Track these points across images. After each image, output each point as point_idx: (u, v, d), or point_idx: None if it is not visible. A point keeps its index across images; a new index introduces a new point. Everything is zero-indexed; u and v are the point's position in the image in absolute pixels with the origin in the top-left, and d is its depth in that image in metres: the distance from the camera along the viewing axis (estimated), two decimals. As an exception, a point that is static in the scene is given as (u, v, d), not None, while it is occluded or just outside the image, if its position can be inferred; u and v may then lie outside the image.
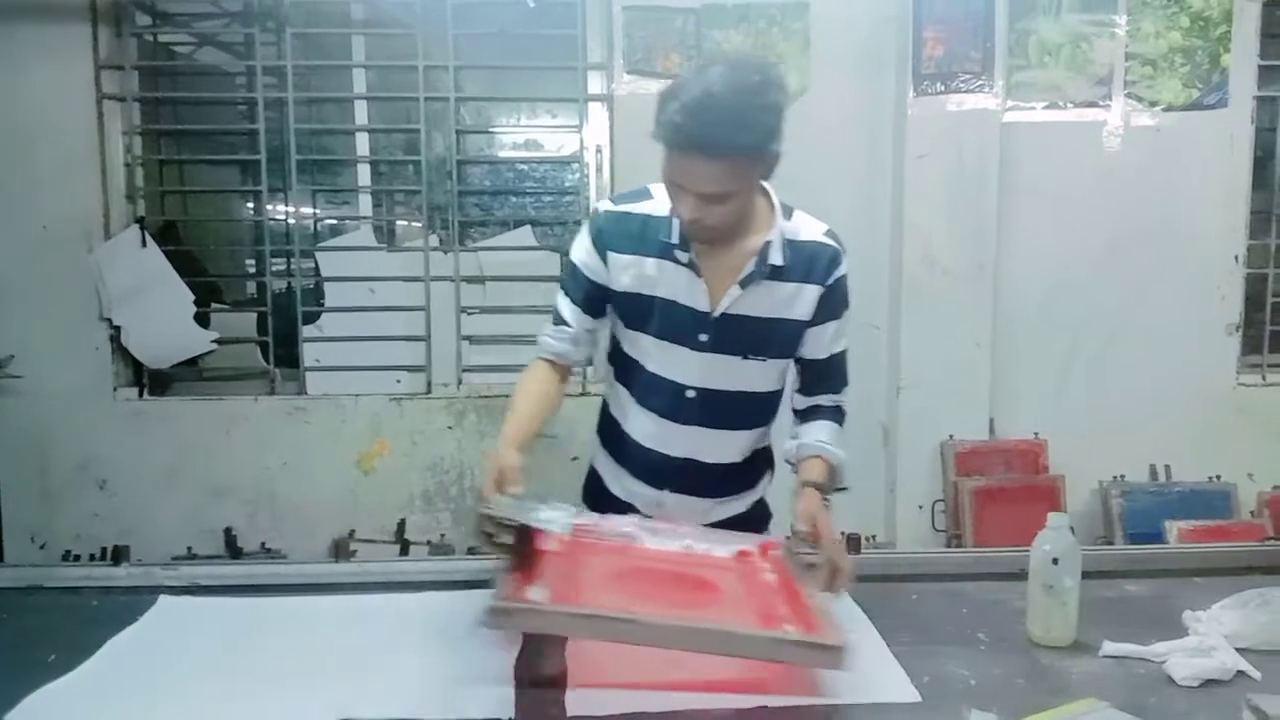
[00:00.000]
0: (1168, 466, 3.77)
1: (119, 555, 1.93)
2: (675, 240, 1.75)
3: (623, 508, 1.93)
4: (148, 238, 3.63)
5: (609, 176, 3.75)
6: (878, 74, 3.66)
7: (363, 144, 3.85)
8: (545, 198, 4.06)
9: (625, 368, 1.90)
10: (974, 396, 3.67)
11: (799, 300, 1.80)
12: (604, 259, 1.81)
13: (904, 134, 3.60)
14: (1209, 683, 1.42)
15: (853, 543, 1.92)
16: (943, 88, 3.57)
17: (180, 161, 3.99)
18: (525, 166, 4.09)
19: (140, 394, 3.73)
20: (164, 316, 3.63)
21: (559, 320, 1.86)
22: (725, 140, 1.56)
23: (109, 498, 3.69)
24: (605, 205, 1.84)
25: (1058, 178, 3.71)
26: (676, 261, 1.76)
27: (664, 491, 1.91)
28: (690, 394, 1.83)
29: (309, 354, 3.69)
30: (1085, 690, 1.39)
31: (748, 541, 1.76)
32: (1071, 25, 3.68)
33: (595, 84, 3.74)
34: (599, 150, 3.77)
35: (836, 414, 1.90)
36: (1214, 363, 3.81)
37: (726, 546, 1.73)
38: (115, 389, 3.71)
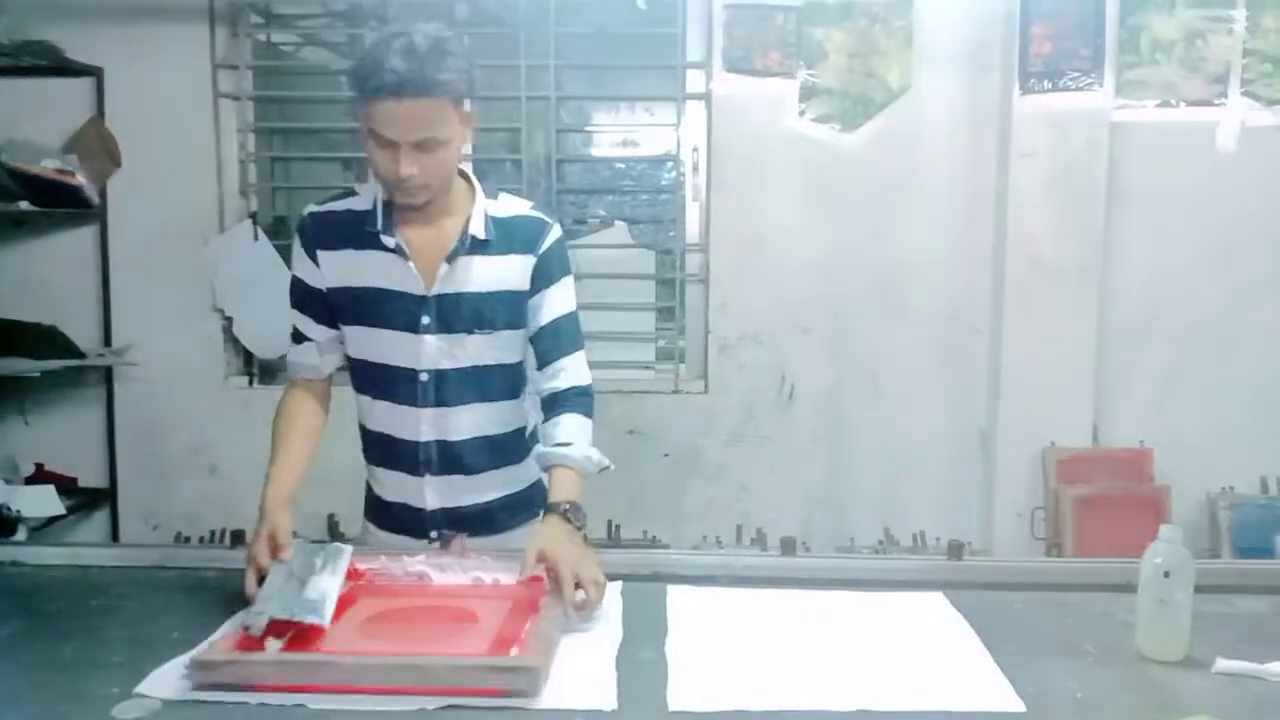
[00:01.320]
0: (1280, 479, 3.64)
1: (236, 538, 1.99)
2: (379, 227, 1.81)
3: (400, 512, 1.96)
4: (259, 232, 3.76)
5: (705, 175, 3.75)
6: (983, 71, 3.59)
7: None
8: (642, 196, 4.08)
9: (358, 370, 1.93)
10: (1077, 402, 3.59)
11: (511, 270, 1.85)
12: (315, 261, 1.86)
13: (1009, 132, 3.53)
14: (1328, 704, 1.37)
15: (954, 550, 1.90)
16: (1050, 85, 3.49)
17: (289, 159, 4.12)
18: (622, 165, 4.12)
19: (250, 382, 3.87)
20: (273, 308, 3.69)
21: (300, 338, 1.92)
22: (434, 76, 1.63)
23: (219, 482, 3.83)
24: (309, 208, 1.90)
25: (1168, 179, 3.59)
26: (384, 248, 1.81)
27: (425, 478, 1.93)
28: (424, 377, 1.87)
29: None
30: (1198, 707, 1.35)
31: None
32: (1186, 21, 3.56)
33: (693, 82, 3.75)
34: (695, 149, 3.78)
35: (580, 399, 1.88)
36: (1330, 372, 3.65)
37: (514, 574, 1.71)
38: (226, 377, 3.85)
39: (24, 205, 3.49)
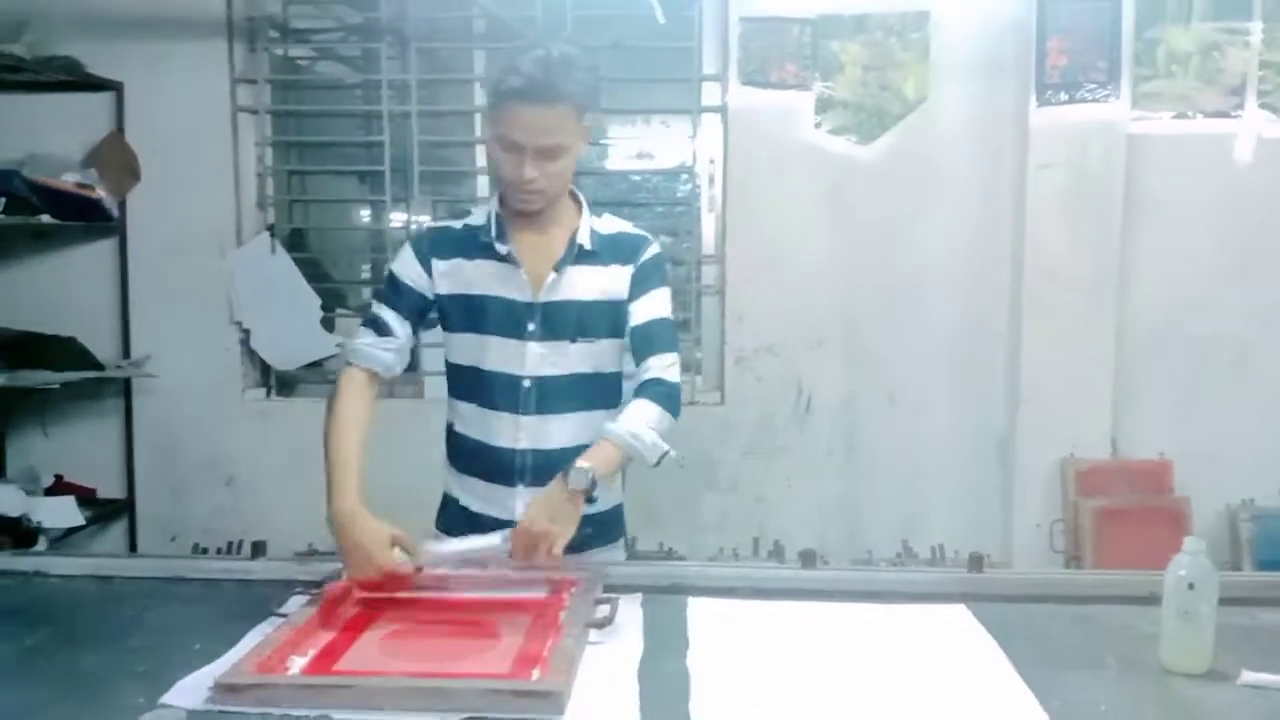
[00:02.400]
0: (1301, 490, 3.61)
1: (257, 550, 2.00)
2: (493, 235, 1.92)
3: (485, 524, 1.94)
4: (277, 245, 3.78)
5: (721, 187, 3.76)
6: (999, 83, 3.59)
7: (481, 156, 3.93)
8: (657, 209, 4.09)
9: (460, 375, 2.00)
10: (1096, 413, 3.57)
11: (614, 282, 1.94)
12: (427, 267, 1.95)
13: (1025, 144, 3.53)
14: (1356, 717, 1.36)
15: (975, 562, 1.89)
16: (1066, 97, 3.49)
17: (305, 172, 4.14)
18: (638, 178, 4.13)
19: (267, 394, 3.89)
20: (291, 321, 3.77)
21: (384, 331, 1.95)
22: (565, 84, 1.77)
23: (235, 494, 3.85)
24: (429, 224, 2.09)
25: (1185, 190, 3.58)
26: (496, 257, 1.92)
27: (517, 488, 1.95)
28: (526, 383, 1.93)
29: (427, 359, 3.79)
30: (1224, 720, 1.35)
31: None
32: (1202, 33, 3.55)
33: (709, 95, 3.76)
34: (711, 161, 3.79)
35: (656, 388, 1.90)
36: (1351, 383, 3.63)
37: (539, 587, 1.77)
38: (244, 390, 3.87)
39: (44, 218, 3.52)
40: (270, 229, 3.80)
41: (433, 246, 1.96)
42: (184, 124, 3.74)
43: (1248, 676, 1.46)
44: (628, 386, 1.99)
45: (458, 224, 1.98)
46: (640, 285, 1.95)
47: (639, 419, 1.85)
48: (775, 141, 3.67)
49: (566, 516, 1.73)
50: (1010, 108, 3.59)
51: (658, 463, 1.85)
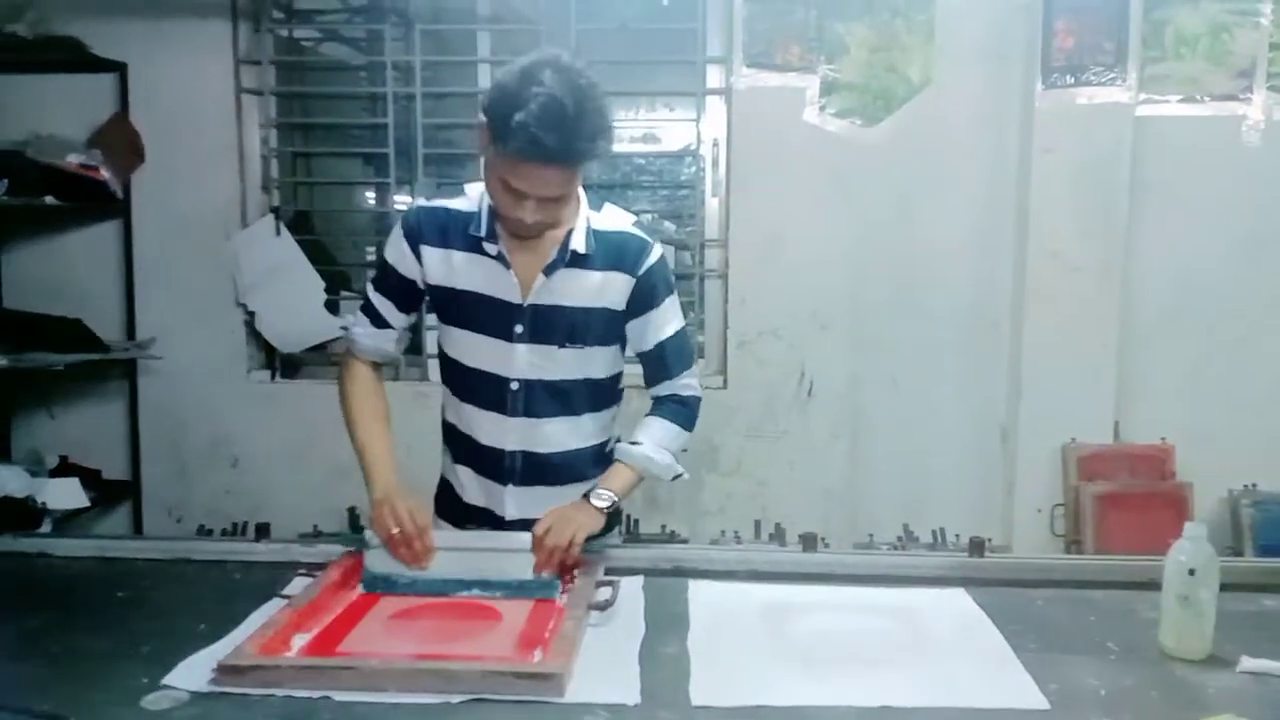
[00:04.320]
0: (1304, 475, 3.61)
1: (261, 532, 2.01)
2: (483, 233, 1.82)
3: (476, 514, 1.96)
4: (282, 227, 3.78)
5: (725, 170, 3.75)
6: (1005, 66, 3.57)
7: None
8: (661, 191, 4.08)
9: (450, 368, 1.96)
10: (1098, 398, 3.57)
11: (609, 288, 1.86)
12: (417, 254, 1.87)
13: (1031, 127, 3.51)
14: (1354, 703, 1.36)
15: (975, 546, 1.90)
16: (1073, 80, 3.47)
17: (310, 154, 4.14)
18: (643, 160, 4.12)
19: (272, 377, 3.90)
20: (295, 303, 3.77)
21: (380, 322, 1.93)
22: (581, 149, 1.65)
23: (240, 475, 3.86)
24: (418, 203, 1.93)
25: (1193, 174, 3.57)
26: (485, 254, 1.83)
27: (508, 487, 1.94)
28: (514, 386, 1.88)
29: (431, 342, 3.79)
30: (1222, 706, 1.35)
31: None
32: (1211, 15, 3.52)
33: (714, 78, 3.74)
34: (716, 144, 3.78)
35: (675, 407, 1.95)
36: (1354, 368, 3.62)
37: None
38: (249, 371, 3.88)
39: (49, 200, 3.52)
40: (275, 211, 3.80)
41: (424, 231, 1.87)
42: (188, 105, 3.74)
43: (1247, 663, 1.47)
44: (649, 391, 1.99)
45: (449, 205, 1.88)
46: (644, 300, 1.88)
47: (655, 440, 1.88)
48: (779, 124, 3.65)
49: (588, 515, 1.79)
50: (1016, 91, 3.57)
51: (672, 479, 1.92)
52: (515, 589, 1.70)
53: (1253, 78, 3.53)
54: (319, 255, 3.90)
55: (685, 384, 1.95)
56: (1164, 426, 3.61)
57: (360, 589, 1.72)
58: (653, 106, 4.03)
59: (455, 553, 1.76)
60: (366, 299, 1.95)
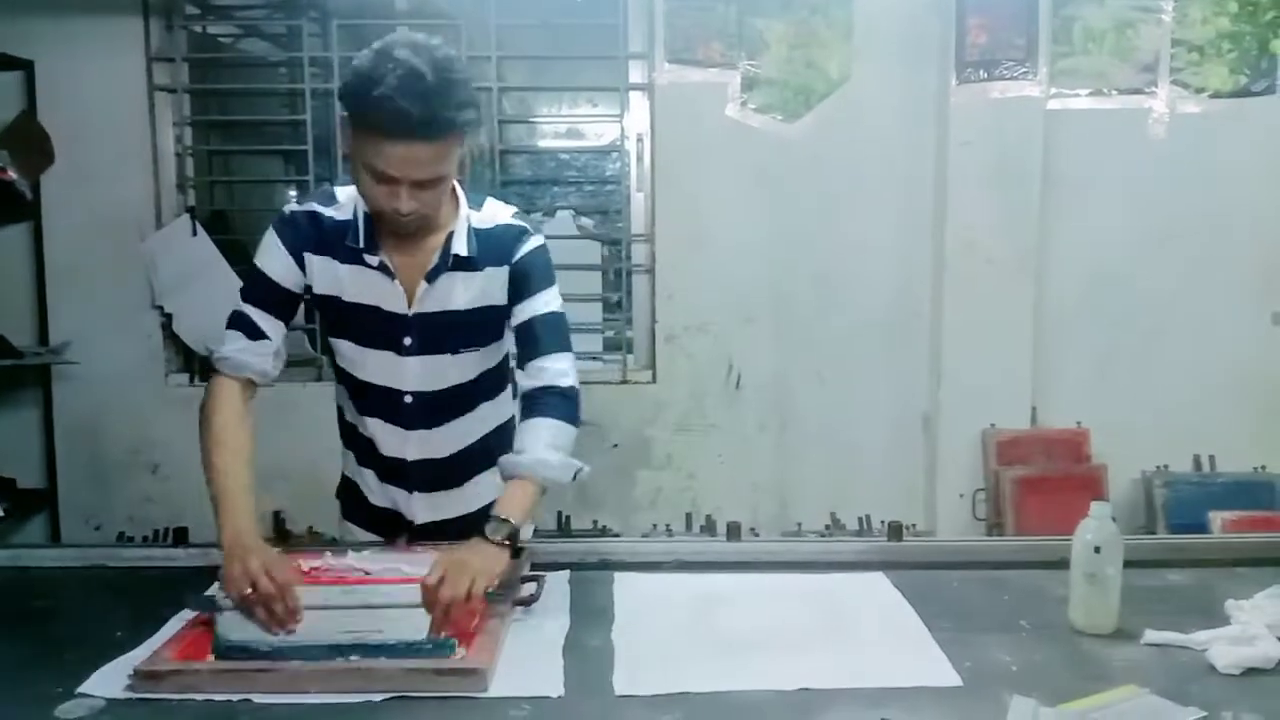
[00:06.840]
0: (1212, 457, 3.73)
1: (180, 537, 1.97)
2: (361, 244, 1.71)
3: (384, 516, 1.93)
4: (198, 227, 3.70)
5: (649, 165, 3.77)
6: (920, 62, 3.64)
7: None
8: (586, 187, 4.09)
9: (343, 377, 1.88)
10: (1016, 385, 3.66)
11: (492, 285, 1.77)
12: (299, 259, 1.74)
13: (946, 122, 3.59)
14: (1251, 671, 1.42)
15: (894, 531, 1.94)
16: (986, 75, 3.55)
17: (228, 152, 4.06)
18: (567, 156, 4.12)
19: (191, 380, 3.81)
20: (214, 304, 3.63)
21: (256, 333, 1.74)
22: (446, 118, 1.54)
23: (161, 481, 3.78)
24: (291, 206, 1.78)
25: (1102, 166, 3.67)
26: (367, 265, 1.73)
27: (414, 494, 1.90)
28: (408, 399, 1.81)
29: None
30: (1127, 677, 1.40)
31: None
32: (1117, 11, 3.63)
33: (636, 73, 3.76)
34: (640, 139, 3.79)
35: (553, 400, 1.73)
36: (1260, 353, 3.75)
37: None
38: (167, 375, 3.80)
39: (-46, 202, 3.42)
40: (190, 211, 3.72)
41: (303, 238, 1.74)
42: (99, 103, 3.64)
43: (1151, 635, 1.52)
44: (518, 375, 1.82)
45: (325, 211, 1.74)
46: (519, 285, 1.77)
47: (540, 442, 1.69)
48: (702, 120, 3.68)
49: (485, 557, 1.57)
50: (932, 85, 3.64)
51: (573, 478, 1.70)
52: (403, 652, 1.43)
53: (1156, 71, 3.65)
54: (238, 255, 3.83)
55: (560, 370, 1.75)
56: (1079, 411, 3.72)
57: (212, 659, 1.45)
58: (576, 102, 4.03)
59: (327, 612, 1.48)
60: (236, 313, 1.76)
